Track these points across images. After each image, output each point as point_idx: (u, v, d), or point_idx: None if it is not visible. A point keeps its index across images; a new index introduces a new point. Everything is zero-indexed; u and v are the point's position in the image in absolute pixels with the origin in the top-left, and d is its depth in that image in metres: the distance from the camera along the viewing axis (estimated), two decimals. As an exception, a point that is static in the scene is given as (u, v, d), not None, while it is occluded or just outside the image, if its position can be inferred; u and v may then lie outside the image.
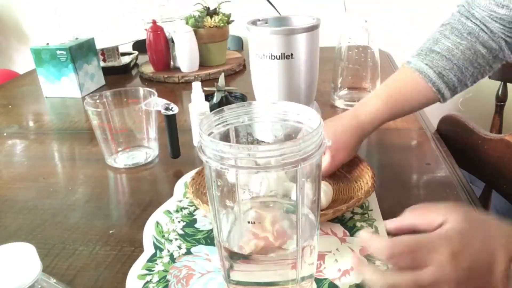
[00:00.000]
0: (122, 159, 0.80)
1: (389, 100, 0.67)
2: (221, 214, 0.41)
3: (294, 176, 0.36)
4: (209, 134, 0.40)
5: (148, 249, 0.56)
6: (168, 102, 0.75)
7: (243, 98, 0.99)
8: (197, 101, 0.81)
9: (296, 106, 0.42)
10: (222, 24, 1.29)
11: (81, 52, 1.19)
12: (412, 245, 0.39)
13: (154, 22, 1.30)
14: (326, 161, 0.64)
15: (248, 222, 0.42)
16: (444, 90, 0.66)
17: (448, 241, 0.39)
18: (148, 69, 1.35)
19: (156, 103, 0.75)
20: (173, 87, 1.25)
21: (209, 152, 0.36)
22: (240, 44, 2.01)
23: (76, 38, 1.22)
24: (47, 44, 1.18)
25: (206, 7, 1.31)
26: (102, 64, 1.36)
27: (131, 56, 1.46)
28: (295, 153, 0.35)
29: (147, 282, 0.51)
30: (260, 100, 0.40)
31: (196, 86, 0.81)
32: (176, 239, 0.58)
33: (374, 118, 0.67)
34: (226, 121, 0.42)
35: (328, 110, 0.98)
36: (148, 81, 1.32)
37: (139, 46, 1.58)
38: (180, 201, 0.67)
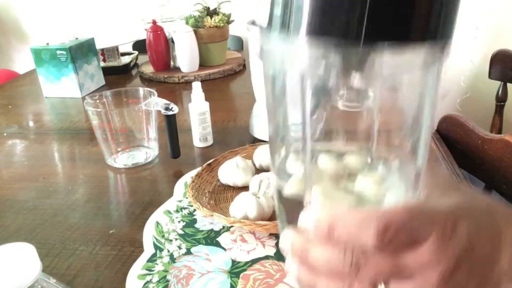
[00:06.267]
0: (122, 159, 0.80)
1: None
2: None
3: None
4: None
5: (148, 249, 0.56)
6: (168, 102, 0.75)
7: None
8: (197, 101, 0.81)
9: None
10: (222, 24, 1.29)
11: (81, 52, 1.19)
12: (407, 215, 0.26)
13: (154, 22, 1.30)
14: None
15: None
16: None
17: (450, 215, 0.27)
18: (148, 69, 1.35)
19: (156, 103, 0.75)
20: (173, 87, 1.25)
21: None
22: (240, 44, 2.02)
23: (76, 38, 1.22)
24: (47, 44, 1.18)
25: (206, 7, 1.31)
26: (102, 64, 1.36)
27: (131, 56, 1.47)
28: None
29: (147, 282, 0.51)
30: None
31: (196, 86, 0.81)
32: (176, 239, 0.58)
33: None
34: None
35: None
36: (148, 81, 1.32)
37: (139, 46, 1.58)
38: (180, 201, 0.67)
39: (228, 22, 1.32)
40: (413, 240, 0.26)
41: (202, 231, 0.59)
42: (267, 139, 0.40)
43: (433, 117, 0.27)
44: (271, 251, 0.54)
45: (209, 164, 0.70)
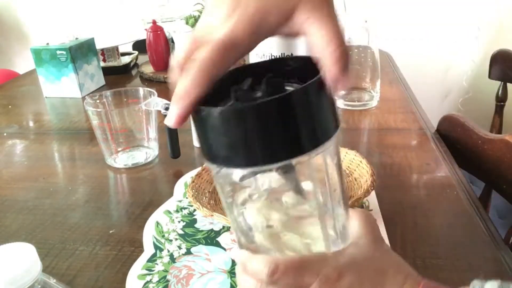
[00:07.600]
0: (122, 159, 0.80)
1: None
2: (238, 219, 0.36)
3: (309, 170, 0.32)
4: None
5: (148, 249, 0.56)
6: (168, 102, 0.75)
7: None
8: (197, 101, 0.81)
9: None
10: (222, 24, 1.29)
11: (81, 52, 1.19)
12: (297, 262, 0.33)
13: (154, 22, 1.30)
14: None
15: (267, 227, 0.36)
16: None
17: (341, 265, 0.33)
18: (148, 69, 1.35)
19: (156, 103, 0.75)
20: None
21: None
22: (240, 44, 2.01)
23: (76, 38, 1.22)
24: (47, 44, 1.18)
25: (206, 7, 1.31)
26: (102, 64, 1.36)
27: (131, 56, 1.46)
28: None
29: (147, 282, 0.51)
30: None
31: (196, 86, 0.81)
32: (176, 239, 0.58)
33: None
34: None
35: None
36: (148, 81, 1.32)
37: (139, 46, 1.58)
38: (180, 201, 0.67)
39: (228, 22, 1.32)
40: (299, 284, 0.33)
41: (202, 231, 0.59)
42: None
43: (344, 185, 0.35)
44: (271, 251, 0.54)
45: (209, 164, 0.70)
